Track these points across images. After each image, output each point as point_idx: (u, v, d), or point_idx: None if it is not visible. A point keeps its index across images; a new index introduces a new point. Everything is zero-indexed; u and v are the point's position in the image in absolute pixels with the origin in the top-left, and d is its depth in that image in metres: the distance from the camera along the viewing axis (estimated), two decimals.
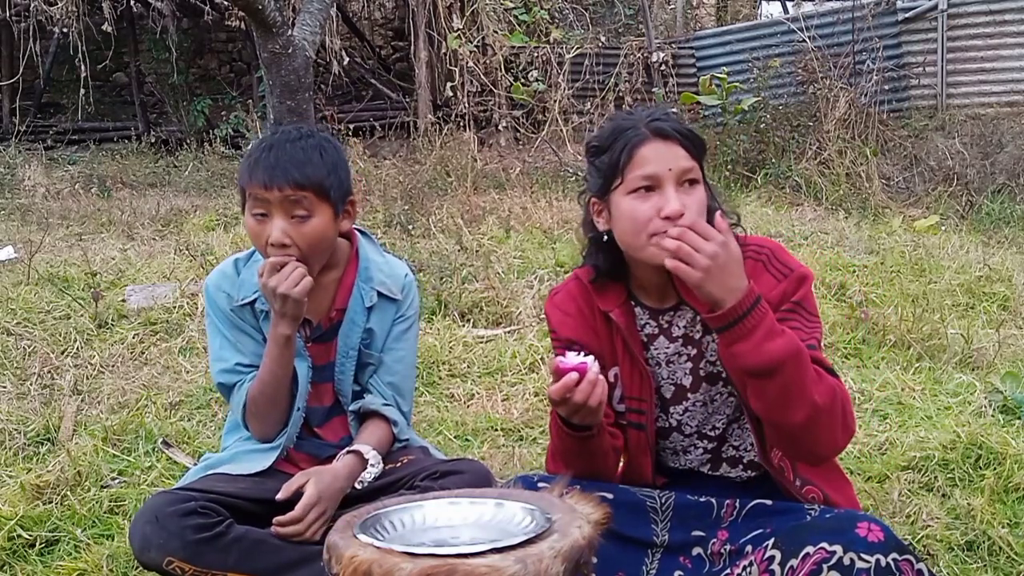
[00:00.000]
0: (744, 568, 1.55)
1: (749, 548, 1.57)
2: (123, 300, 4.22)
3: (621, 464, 1.81)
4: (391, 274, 2.07)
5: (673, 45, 9.63)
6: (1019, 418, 2.94)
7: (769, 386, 1.52)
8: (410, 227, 5.71)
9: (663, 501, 1.70)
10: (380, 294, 2.04)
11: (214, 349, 2.05)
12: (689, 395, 1.76)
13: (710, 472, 1.79)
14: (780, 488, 1.70)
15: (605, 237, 1.70)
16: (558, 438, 1.68)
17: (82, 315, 4.01)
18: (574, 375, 1.53)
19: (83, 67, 8.93)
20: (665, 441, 1.80)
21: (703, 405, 1.75)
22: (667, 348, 1.75)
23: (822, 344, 1.68)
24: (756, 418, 1.64)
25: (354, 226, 2.08)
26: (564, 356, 1.57)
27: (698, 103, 7.36)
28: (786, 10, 10.79)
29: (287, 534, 1.82)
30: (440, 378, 3.45)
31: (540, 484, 1.61)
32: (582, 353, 1.58)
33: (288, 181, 1.85)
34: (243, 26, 9.33)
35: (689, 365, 1.75)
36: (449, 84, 8.82)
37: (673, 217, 1.57)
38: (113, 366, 3.55)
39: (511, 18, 9.09)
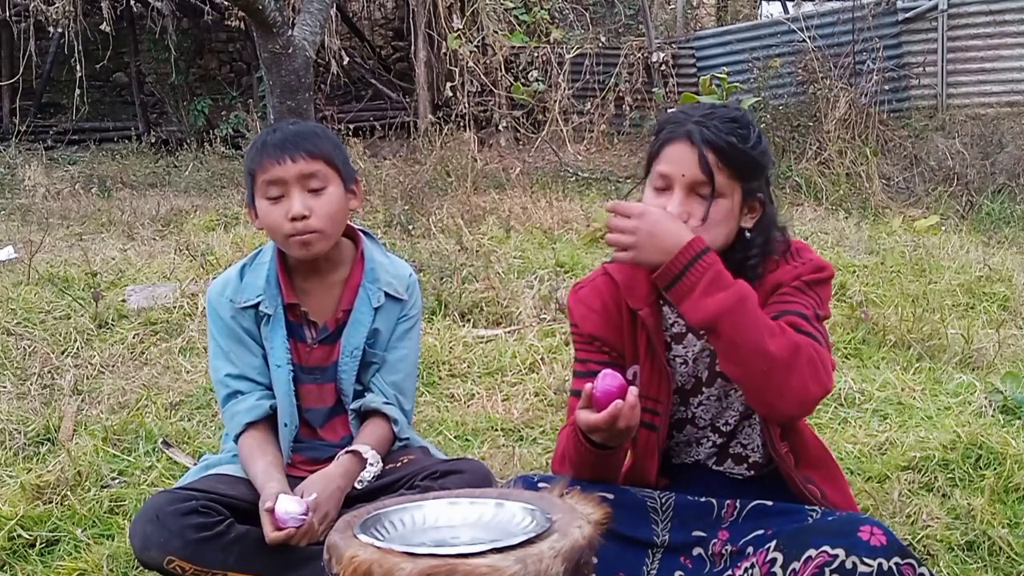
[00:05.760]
0: (745, 570, 1.55)
1: (750, 549, 1.57)
2: (123, 300, 4.22)
3: (625, 463, 1.81)
4: (396, 274, 2.08)
5: (673, 45, 9.62)
6: (1019, 418, 2.94)
7: (718, 340, 1.54)
8: (410, 227, 5.71)
9: (663, 501, 1.70)
10: (387, 294, 2.05)
11: (209, 356, 2.07)
12: (704, 389, 1.76)
13: (714, 467, 1.79)
14: (783, 479, 1.70)
15: None
16: (576, 452, 1.66)
17: (82, 315, 4.01)
18: (620, 403, 1.50)
19: (80, 67, 8.93)
20: (679, 434, 1.80)
21: (717, 400, 1.76)
22: (695, 346, 1.75)
23: (827, 337, 1.66)
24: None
25: (357, 227, 2.09)
26: (594, 381, 1.54)
27: (698, 103, 7.37)
28: (786, 10, 10.78)
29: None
30: (440, 378, 3.45)
31: (540, 484, 1.61)
32: (604, 370, 1.56)
33: (300, 152, 1.90)
34: (243, 26, 9.33)
35: (708, 360, 1.75)
36: (449, 84, 8.82)
37: None
38: (113, 366, 3.55)
39: (511, 18, 9.09)
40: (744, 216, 1.65)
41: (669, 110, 1.76)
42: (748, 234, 1.66)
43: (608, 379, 1.53)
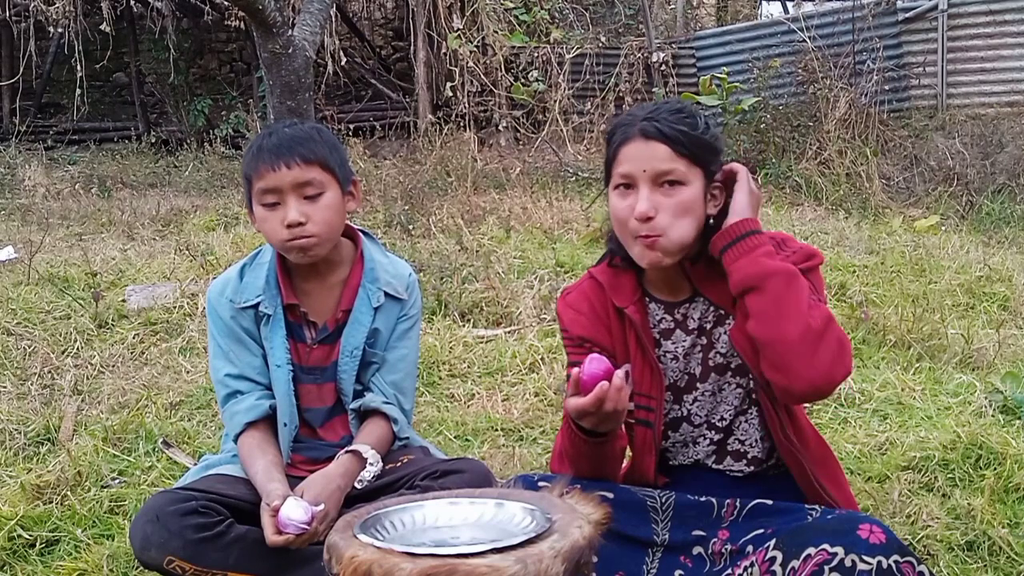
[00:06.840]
0: (745, 568, 1.55)
1: (750, 548, 1.57)
2: (123, 300, 4.22)
3: (625, 463, 1.81)
4: (396, 274, 2.08)
5: (673, 45, 9.62)
6: (1019, 418, 2.94)
7: (763, 298, 1.58)
8: (410, 227, 5.71)
9: (663, 500, 1.70)
10: (386, 294, 2.05)
11: (209, 356, 2.07)
12: (698, 384, 1.77)
13: (714, 465, 1.79)
14: (785, 476, 1.70)
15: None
16: (570, 443, 1.68)
17: (82, 315, 4.01)
18: (605, 384, 1.51)
19: (80, 67, 8.93)
20: (675, 433, 1.80)
21: (711, 395, 1.77)
22: (684, 341, 1.76)
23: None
24: (770, 399, 1.67)
25: (357, 227, 2.10)
26: (581, 366, 1.55)
27: (698, 103, 7.37)
28: (786, 10, 10.79)
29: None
30: (440, 378, 3.45)
31: (540, 484, 1.61)
32: (590, 355, 1.58)
33: (295, 158, 1.88)
34: (243, 26, 9.32)
35: (700, 355, 1.76)
36: (449, 84, 8.81)
37: (639, 219, 1.62)
38: (113, 366, 3.55)
39: (511, 18, 9.07)
40: (708, 203, 1.69)
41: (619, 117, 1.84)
42: (712, 220, 1.69)
43: (594, 363, 1.55)
